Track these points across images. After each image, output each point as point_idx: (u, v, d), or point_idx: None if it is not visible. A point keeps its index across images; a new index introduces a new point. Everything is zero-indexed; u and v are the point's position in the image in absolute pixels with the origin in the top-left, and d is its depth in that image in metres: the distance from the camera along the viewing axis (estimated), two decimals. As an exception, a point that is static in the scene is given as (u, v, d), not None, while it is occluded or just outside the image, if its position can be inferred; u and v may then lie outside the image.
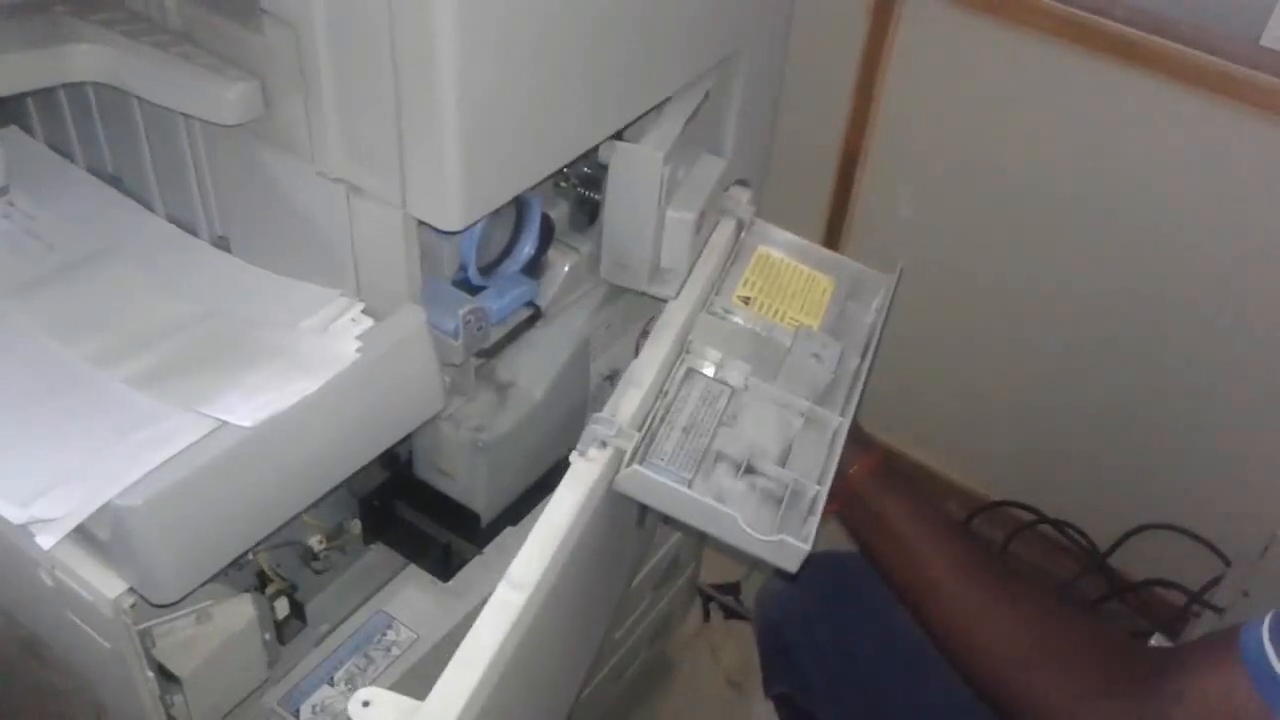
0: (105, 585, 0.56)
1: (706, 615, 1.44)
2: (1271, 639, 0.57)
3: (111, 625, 0.57)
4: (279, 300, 0.67)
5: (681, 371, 0.73)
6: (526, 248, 0.73)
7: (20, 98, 0.76)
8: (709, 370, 0.74)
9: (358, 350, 0.61)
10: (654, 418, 0.69)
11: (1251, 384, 1.19)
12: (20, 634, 0.71)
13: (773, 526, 0.65)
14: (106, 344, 0.63)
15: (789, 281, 0.84)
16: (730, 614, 1.44)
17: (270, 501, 0.59)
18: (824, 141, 1.37)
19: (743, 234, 0.85)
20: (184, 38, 0.64)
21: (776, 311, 0.80)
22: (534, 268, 0.74)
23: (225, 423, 0.56)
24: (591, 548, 0.67)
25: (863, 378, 0.77)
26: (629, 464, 0.64)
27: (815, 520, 0.66)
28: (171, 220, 0.74)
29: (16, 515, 0.54)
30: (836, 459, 0.71)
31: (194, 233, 0.73)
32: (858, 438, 0.81)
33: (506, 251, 0.73)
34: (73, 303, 0.67)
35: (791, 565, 0.64)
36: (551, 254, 0.75)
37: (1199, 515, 1.29)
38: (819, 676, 0.93)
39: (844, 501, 0.78)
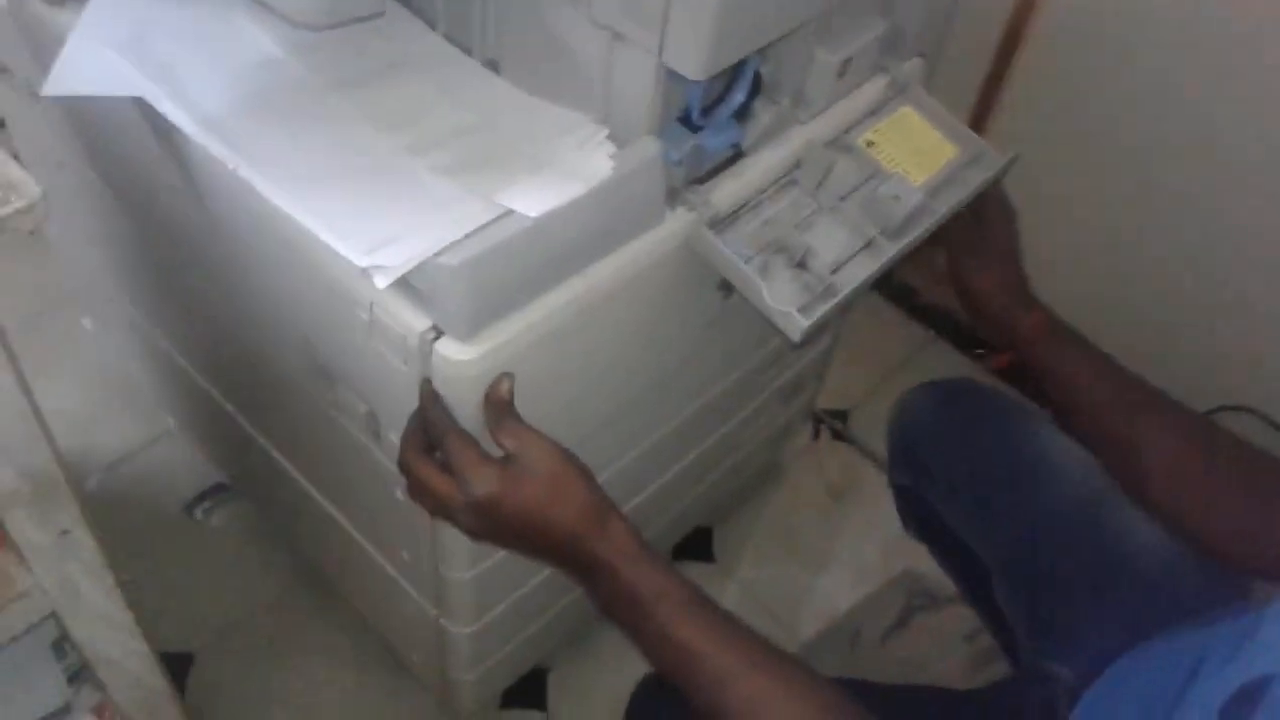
0: (415, 321, 0.74)
1: (816, 434, 1.61)
2: None
3: (414, 352, 0.75)
4: (540, 120, 0.82)
5: (786, 180, 0.89)
6: (739, 95, 0.86)
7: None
8: (809, 185, 0.90)
9: (612, 168, 0.76)
10: (746, 206, 0.87)
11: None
12: (314, 357, 0.90)
13: (790, 303, 0.81)
14: (414, 136, 0.80)
15: (918, 140, 0.95)
16: (837, 436, 1.62)
17: (538, 278, 0.76)
18: (989, 16, 1.43)
19: (894, 93, 0.97)
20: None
21: (894, 159, 0.93)
22: (742, 114, 0.88)
23: (513, 211, 0.73)
24: (666, 288, 0.87)
25: (931, 227, 0.91)
26: (702, 226, 0.83)
27: (825, 307, 0.82)
28: (449, 39, 0.88)
29: (361, 259, 0.70)
30: (873, 274, 0.86)
31: (468, 53, 0.87)
32: (1023, 297, 0.93)
33: (720, 98, 0.87)
34: (384, 101, 0.83)
35: (794, 334, 0.81)
36: (757, 104, 0.89)
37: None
38: (940, 477, 1.05)
39: (1021, 353, 0.91)
